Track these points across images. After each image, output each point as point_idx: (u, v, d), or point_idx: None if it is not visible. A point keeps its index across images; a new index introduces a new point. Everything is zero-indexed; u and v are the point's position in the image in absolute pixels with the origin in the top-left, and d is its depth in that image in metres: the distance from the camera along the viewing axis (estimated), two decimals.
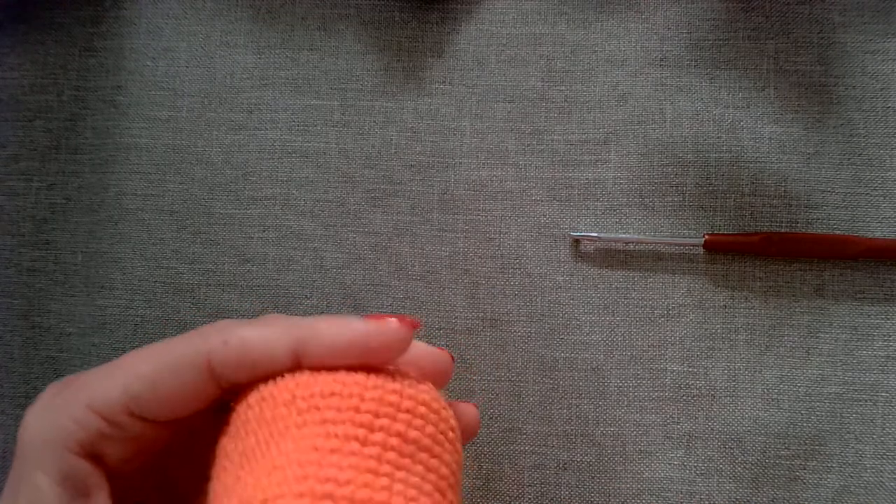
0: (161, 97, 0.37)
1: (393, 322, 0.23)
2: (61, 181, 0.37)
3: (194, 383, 0.22)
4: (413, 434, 0.22)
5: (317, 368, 0.22)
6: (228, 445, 0.22)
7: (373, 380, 0.22)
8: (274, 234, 0.36)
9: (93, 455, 0.22)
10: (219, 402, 0.23)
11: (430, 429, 0.22)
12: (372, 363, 0.22)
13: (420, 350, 0.25)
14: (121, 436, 0.22)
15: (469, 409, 0.27)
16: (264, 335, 0.22)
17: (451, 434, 0.23)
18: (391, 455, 0.21)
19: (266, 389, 0.22)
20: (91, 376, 0.22)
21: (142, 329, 0.36)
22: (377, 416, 0.21)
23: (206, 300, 0.36)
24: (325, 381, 0.22)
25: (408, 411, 0.22)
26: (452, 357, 0.26)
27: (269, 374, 0.22)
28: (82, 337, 0.36)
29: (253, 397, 0.22)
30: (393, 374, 0.23)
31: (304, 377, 0.22)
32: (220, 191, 0.37)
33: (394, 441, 0.21)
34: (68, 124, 0.38)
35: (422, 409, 0.22)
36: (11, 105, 0.38)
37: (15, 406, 0.36)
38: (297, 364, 0.22)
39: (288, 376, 0.22)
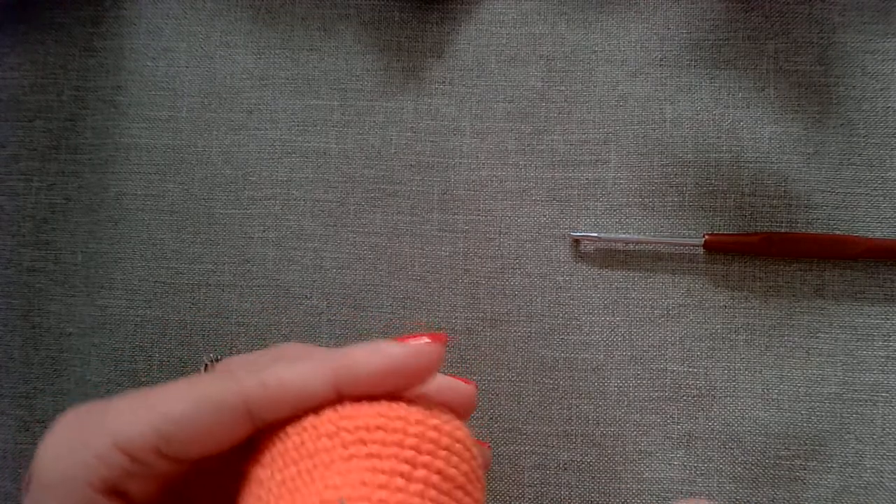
0: (161, 97, 0.37)
1: (424, 342, 0.23)
2: (61, 181, 0.37)
3: (229, 425, 0.21)
4: (451, 472, 0.22)
5: (355, 399, 0.22)
6: (262, 473, 0.22)
7: (414, 413, 0.22)
8: (274, 234, 0.36)
9: (115, 492, 0.21)
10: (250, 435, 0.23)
11: (464, 467, 0.23)
12: (410, 387, 0.23)
13: (445, 382, 0.25)
14: (146, 473, 0.21)
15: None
16: (302, 375, 0.22)
17: (479, 472, 0.24)
18: (432, 493, 0.21)
19: (307, 420, 0.22)
20: (117, 410, 0.21)
21: (142, 329, 0.36)
22: (419, 451, 0.21)
23: (206, 300, 0.36)
24: (368, 413, 0.22)
25: (446, 448, 0.22)
26: (476, 386, 0.26)
27: (309, 411, 0.22)
28: (82, 337, 0.36)
29: (293, 427, 0.22)
30: (430, 408, 0.23)
31: (346, 409, 0.22)
32: (220, 191, 0.37)
33: (435, 478, 0.21)
34: (68, 124, 0.38)
35: (458, 447, 0.23)
36: (11, 105, 0.38)
37: (15, 406, 0.36)
38: (337, 398, 0.22)
39: (335, 408, 0.22)
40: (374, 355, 0.22)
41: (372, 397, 0.22)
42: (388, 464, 0.21)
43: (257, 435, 0.23)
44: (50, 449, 0.21)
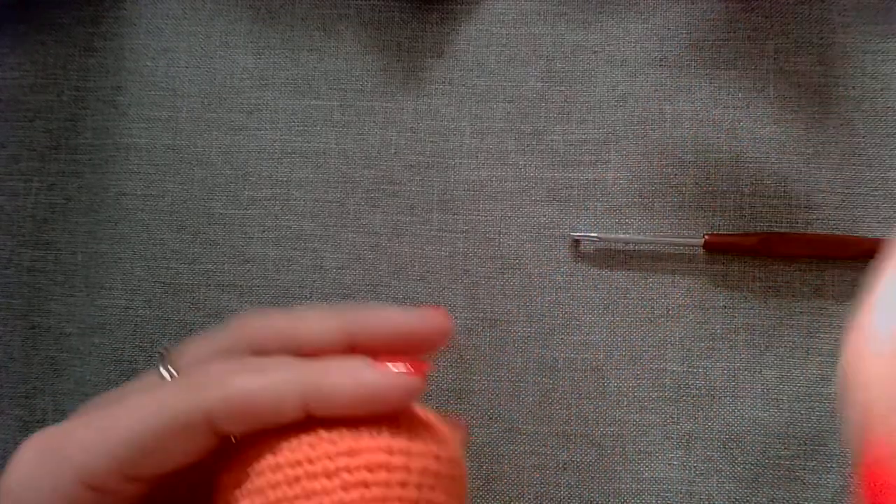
0: (161, 97, 0.37)
1: (403, 373, 0.21)
2: (61, 181, 0.37)
3: (191, 441, 0.20)
4: (450, 499, 0.22)
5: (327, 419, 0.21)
6: (245, 501, 0.20)
7: (416, 445, 0.21)
8: (274, 235, 0.36)
9: None
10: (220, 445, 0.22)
11: (458, 488, 0.22)
12: (382, 413, 0.21)
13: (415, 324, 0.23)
14: (118, 499, 0.21)
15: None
16: (269, 389, 0.20)
17: (465, 482, 0.23)
18: None
19: (300, 452, 0.20)
20: (78, 440, 0.20)
21: (142, 329, 0.36)
22: (421, 488, 0.20)
23: (206, 300, 0.36)
24: (369, 448, 0.20)
25: (447, 477, 0.22)
26: (448, 316, 0.24)
27: (276, 425, 0.21)
28: (82, 337, 0.36)
29: (282, 457, 0.20)
30: (425, 428, 0.22)
31: (344, 442, 0.20)
32: (219, 191, 0.37)
33: None
34: (68, 124, 0.38)
35: (456, 472, 0.22)
36: (11, 105, 0.38)
37: (15, 406, 0.36)
38: (306, 417, 0.21)
39: (324, 436, 0.20)
40: (349, 379, 0.21)
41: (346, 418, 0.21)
42: None
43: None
44: (15, 491, 0.20)
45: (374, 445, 0.20)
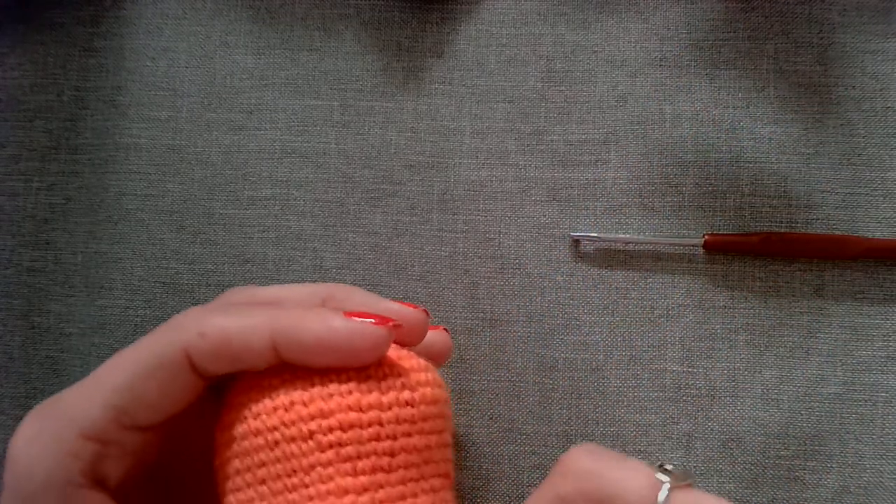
0: (161, 97, 0.37)
1: (369, 323, 0.21)
2: (61, 181, 0.37)
3: (176, 381, 0.21)
4: (430, 439, 0.22)
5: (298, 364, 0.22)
6: (236, 463, 0.21)
7: (388, 396, 0.21)
8: (274, 234, 0.36)
9: (97, 480, 0.21)
10: (208, 389, 0.22)
11: (440, 422, 0.23)
12: (349, 365, 0.22)
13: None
14: (120, 452, 0.21)
15: (441, 337, 0.26)
16: (243, 327, 0.21)
17: (449, 409, 0.24)
18: (413, 472, 0.21)
19: (275, 417, 0.21)
20: (73, 397, 0.21)
21: (142, 329, 0.36)
22: (396, 437, 0.21)
23: (206, 300, 0.36)
24: (340, 407, 0.21)
25: (421, 418, 0.22)
26: (426, 312, 0.25)
27: (251, 367, 0.22)
28: (82, 337, 0.36)
29: (260, 422, 0.21)
30: (397, 373, 0.22)
31: (315, 404, 0.21)
32: (219, 191, 0.37)
33: (414, 458, 0.21)
34: (68, 124, 0.38)
35: (432, 410, 0.22)
36: (11, 105, 0.38)
37: (15, 406, 0.36)
38: (277, 358, 0.21)
39: (295, 397, 0.21)
40: (317, 324, 0.21)
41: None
42: (369, 462, 0.21)
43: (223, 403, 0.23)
44: (22, 454, 0.20)
45: (344, 404, 0.21)
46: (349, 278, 0.36)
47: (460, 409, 0.35)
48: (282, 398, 0.21)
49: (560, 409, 0.34)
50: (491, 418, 0.35)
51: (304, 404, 0.21)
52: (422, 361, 0.24)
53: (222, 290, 0.36)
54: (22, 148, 0.37)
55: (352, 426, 0.21)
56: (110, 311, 0.36)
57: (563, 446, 0.34)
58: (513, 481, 0.34)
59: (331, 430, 0.21)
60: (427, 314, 0.25)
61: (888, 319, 0.34)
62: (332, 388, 0.21)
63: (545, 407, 0.34)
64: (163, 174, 0.37)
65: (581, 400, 0.34)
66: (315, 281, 0.36)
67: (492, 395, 0.35)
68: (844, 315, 0.34)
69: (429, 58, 0.37)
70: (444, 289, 0.36)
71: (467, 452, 0.34)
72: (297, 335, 0.21)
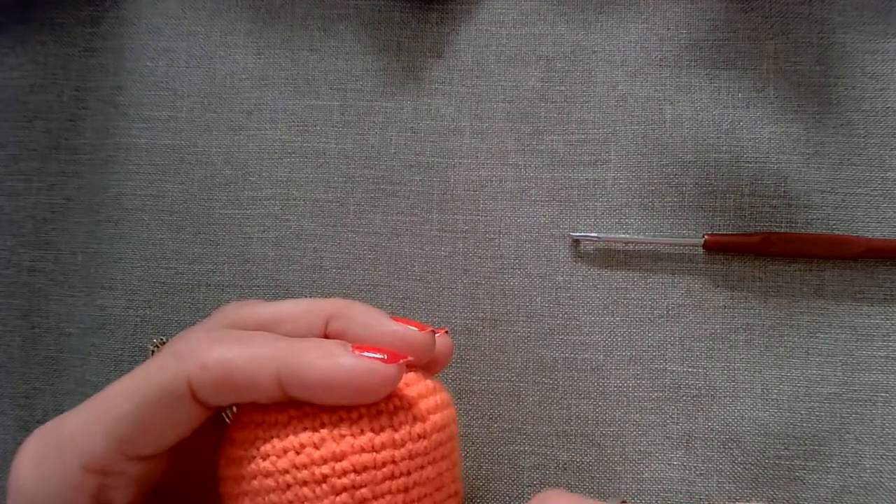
0: (161, 97, 0.37)
1: (380, 361, 0.21)
2: (61, 181, 0.37)
3: (179, 411, 0.20)
4: (443, 466, 0.22)
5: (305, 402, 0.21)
6: (246, 502, 0.21)
7: (400, 432, 0.21)
8: (274, 234, 0.36)
9: None
10: (211, 417, 0.22)
11: (447, 449, 0.22)
12: (357, 403, 0.21)
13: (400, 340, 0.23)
14: (125, 481, 0.21)
15: (441, 341, 0.25)
16: (248, 362, 0.20)
17: (456, 427, 0.23)
18: (426, 502, 0.21)
19: (286, 460, 0.20)
20: (75, 427, 0.21)
21: (142, 329, 0.36)
22: (410, 473, 0.21)
23: (206, 300, 0.36)
24: (353, 449, 0.20)
25: (435, 448, 0.22)
26: (433, 331, 0.24)
27: (256, 400, 0.21)
28: (82, 337, 0.36)
29: (270, 463, 0.20)
30: (406, 405, 0.22)
31: (328, 447, 0.20)
32: (220, 191, 0.37)
33: (427, 488, 0.21)
34: (68, 124, 0.38)
35: (443, 437, 0.22)
36: (11, 105, 0.38)
37: (15, 406, 0.36)
38: (282, 394, 0.21)
39: (305, 439, 0.20)
40: (325, 361, 0.20)
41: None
42: (384, 502, 0.20)
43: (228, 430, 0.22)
44: (27, 486, 0.20)
45: (357, 445, 0.20)
46: (349, 278, 0.36)
47: (460, 409, 0.35)
48: (291, 439, 0.20)
49: (560, 409, 0.34)
50: (491, 418, 0.35)
51: (316, 446, 0.20)
52: (429, 383, 0.23)
53: (222, 291, 0.36)
54: (22, 148, 0.37)
55: (366, 468, 0.20)
56: (110, 311, 0.36)
57: (563, 446, 0.34)
58: (513, 481, 0.34)
59: (345, 473, 0.20)
60: (433, 334, 0.24)
61: (888, 319, 0.34)
62: (344, 428, 0.20)
63: (545, 407, 0.34)
64: (163, 174, 0.37)
65: (581, 400, 0.34)
66: (314, 281, 0.36)
67: (492, 395, 0.35)
68: (844, 315, 0.34)
69: (429, 58, 0.37)
70: (444, 289, 0.36)
71: (467, 452, 0.34)
72: (305, 374, 0.20)
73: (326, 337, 0.23)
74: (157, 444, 0.21)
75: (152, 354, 0.30)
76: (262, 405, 0.22)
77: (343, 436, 0.20)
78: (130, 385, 0.21)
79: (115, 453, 0.20)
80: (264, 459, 0.21)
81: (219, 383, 0.20)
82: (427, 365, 0.24)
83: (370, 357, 0.21)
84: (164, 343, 0.30)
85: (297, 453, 0.20)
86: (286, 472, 0.20)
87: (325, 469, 0.20)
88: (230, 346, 0.21)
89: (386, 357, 0.21)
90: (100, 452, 0.20)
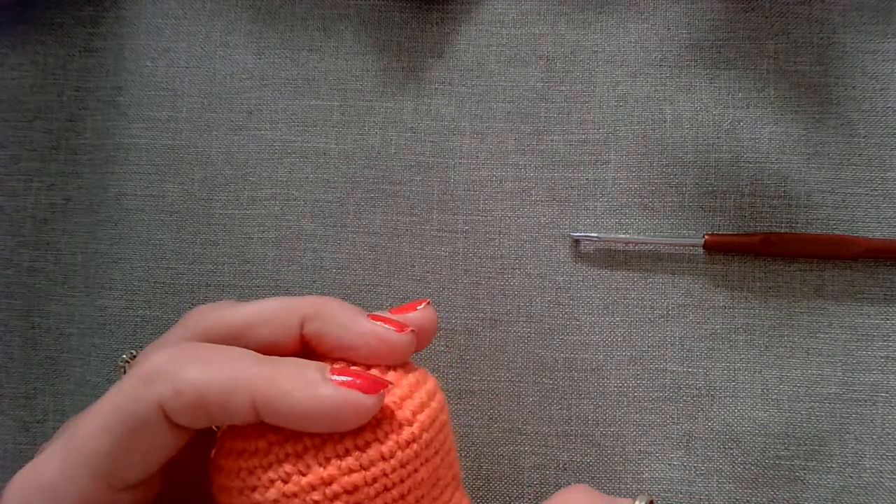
0: (161, 97, 0.37)
1: (358, 394, 0.20)
2: (61, 181, 0.37)
3: (158, 437, 0.20)
4: (437, 461, 0.21)
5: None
6: None
7: (388, 444, 0.20)
8: (274, 235, 0.36)
9: None
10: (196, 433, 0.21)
11: (439, 445, 0.22)
12: (334, 430, 0.20)
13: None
14: None
15: (423, 315, 0.24)
16: (221, 386, 0.19)
17: (447, 414, 0.23)
18: (425, 501, 0.21)
19: (274, 490, 0.20)
20: (54, 472, 0.20)
21: (142, 329, 0.36)
22: (403, 480, 0.20)
23: (205, 300, 0.36)
24: (341, 471, 0.20)
25: (427, 447, 0.21)
26: (413, 332, 0.23)
27: (232, 423, 0.20)
28: (82, 337, 0.36)
29: (259, 494, 0.20)
30: (392, 412, 0.21)
31: (316, 471, 0.19)
32: (219, 191, 0.37)
33: (424, 489, 0.21)
34: (68, 124, 0.38)
35: (434, 432, 0.22)
36: (11, 105, 0.38)
37: (15, 406, 0.36)
38: (258, 418, 0.20)
39: (291, 469, 0.20)
40: (302, 392, 0.19)
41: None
42: None
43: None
44: None
45: (345, 467, 0.20)
46: (349, 278, 0.36)
47: (460, 409, 0.35)
48: (275, 468, 0.20)
49: (560, 409, 0.34)
50: (491, 418, 0.35)
51: (302, 473, 0.20)
52: (411, 379, 0.22)
53: (222, 291, 0.36)
54: (22, 148, 0.37)
55: (356, 487, 0.20)
56: (110, 311, 0.36)
57: (564, 446, 0.34)
58: (513, 481, 0.34)
59: (336, 496, 0.19)
60: (413, 333, 0.23)
61: (888, 319, 0.34)
62: (329, 450, 0.20)
63: (545, 407, 0.34)
64: (163, 174, 0.37)
65: (581, 400, 0.34)
66: (314, 281, 0.36)
67: (492, 395, 0.35)
68: (844, 315, 0.34)
69: (429, 58, 0.37)
70: (444, 289, 0.36)
71: (467, 452, 0.34)
72: (281, 406, 0.19)
73: (302, 338, 0.23)
74: (143, 470, 0.20)
75: (123, 372, 0.29)
76: (242, 427, 0.21)
77: (328, 459, 0.20)
78: (103, 418, 0.20)
79: (105, 490, 0.20)
80: (253, 491, 0.20)
81: (192, 409, 0.19)
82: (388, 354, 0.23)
83: (349, 385, 0.20)
84: (134, 358, 0.29)
85: (285, 482, 0.20)
86: (276, 501, 0.20)
87: (316, 496, 0.19)
88: (201, 367, 0.20)
89: (365, 384, 0.20)
90: (87, 491, 0.20)
